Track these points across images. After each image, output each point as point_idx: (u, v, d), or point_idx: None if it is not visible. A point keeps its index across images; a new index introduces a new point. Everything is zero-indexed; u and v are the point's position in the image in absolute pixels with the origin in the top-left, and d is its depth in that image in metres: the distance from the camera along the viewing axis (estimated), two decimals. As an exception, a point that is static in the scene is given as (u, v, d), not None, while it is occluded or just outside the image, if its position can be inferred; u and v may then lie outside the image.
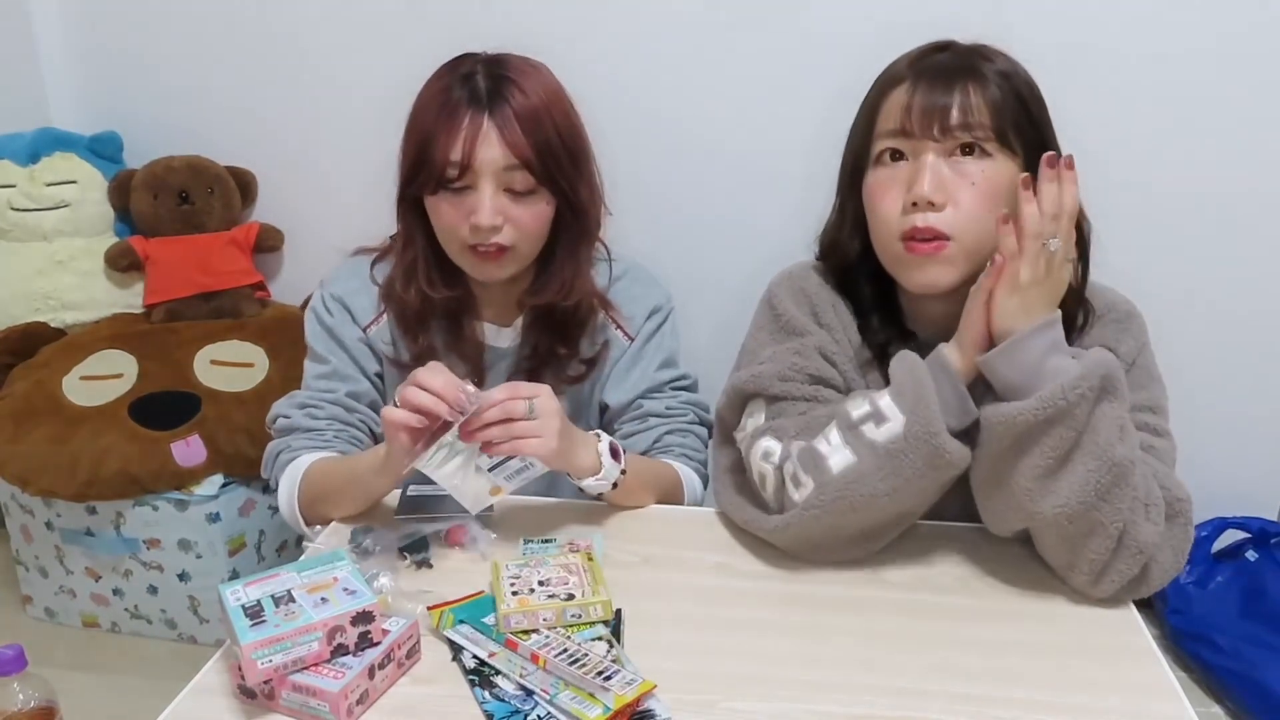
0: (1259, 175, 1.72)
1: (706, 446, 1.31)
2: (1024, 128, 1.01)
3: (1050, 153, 0.94)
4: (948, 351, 0.98)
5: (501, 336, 1.29)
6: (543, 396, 1.00)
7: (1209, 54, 1.66)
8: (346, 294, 1.27)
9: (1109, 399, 0.91)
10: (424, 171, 1.13)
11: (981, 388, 0.97)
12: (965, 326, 0.97)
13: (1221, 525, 1.87)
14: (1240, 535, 1.87)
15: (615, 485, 1.10)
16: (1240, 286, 1.80)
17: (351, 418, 1.24)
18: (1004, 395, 0.95)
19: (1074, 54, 1.63)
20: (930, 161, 1.00)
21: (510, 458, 1.00)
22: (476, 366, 1.26)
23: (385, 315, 1.26)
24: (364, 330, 1.27)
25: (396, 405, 0.97)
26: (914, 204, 1.00)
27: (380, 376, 1.28)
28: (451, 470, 1.00)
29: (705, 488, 1.27)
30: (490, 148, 1.10)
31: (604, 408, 1.32)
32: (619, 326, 1.30)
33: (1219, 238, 1.77)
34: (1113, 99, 1.68)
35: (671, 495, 1.22)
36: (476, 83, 1.13)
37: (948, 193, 0.99)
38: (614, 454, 1.09)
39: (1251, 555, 1.84)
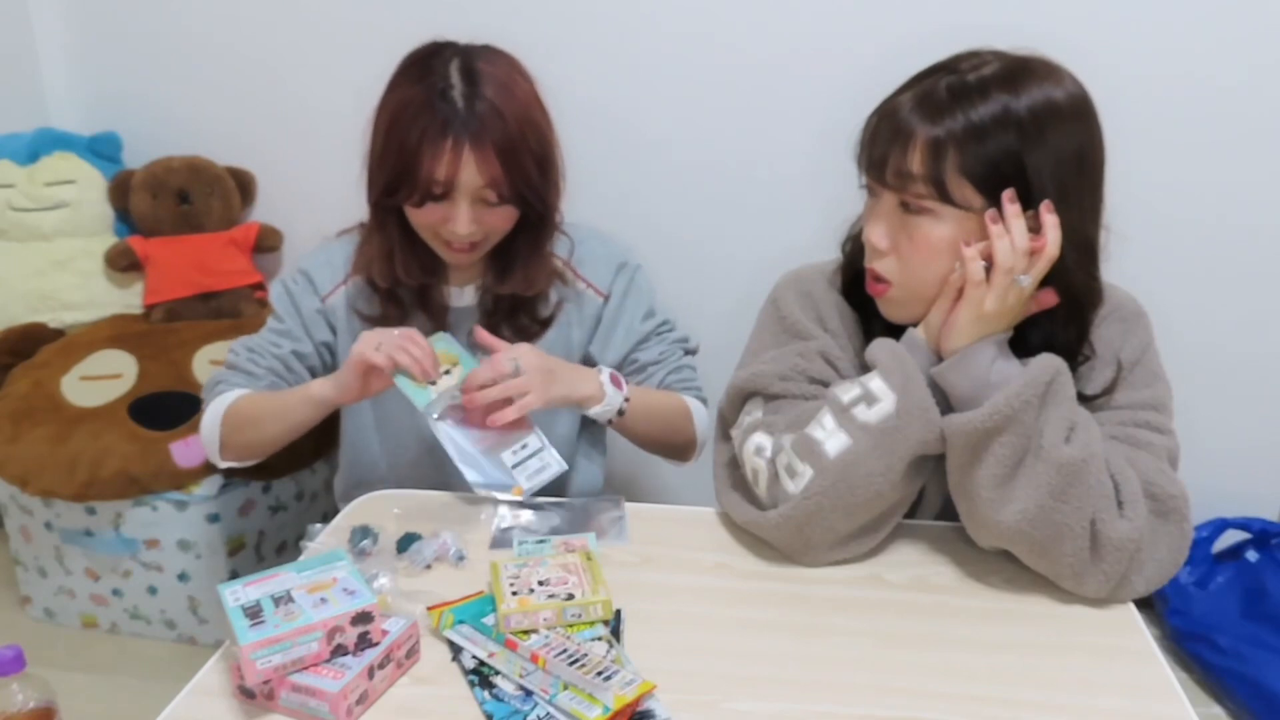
0: (1263, 176, 1.73)
1: (697, 372, 1.43)
2: (987, 181, 0.94)
3: (1009, 190, 0.93)
4: (916, 334, 1.02)
5: (463, 297, 1.35)
6: (524, 354, 1.12)
7: (1222, 58, 1.66)
8: (313, 267, 1.37)
9: (1054, 403, 0.94)
10: (406, 187, 1.20)
11: (942, 405, 1.00)
12: (935, 314, 1.01)
13: (1221, 525, 1.87)
14: (1240, 535, 1.87)
15: (622, 412, 1.23)
16: (1242, 287, 1.80)
17: (288, 375, 1.33)
18: (956, 407, 0.99)
19: (1082, 58, 1.63)
20: (882, 207, 1.01)
21: (530, 457, 1.14)
22: (440, 327, 1.33)
23: (349, 282, 1.35)
24: (322, 300, 1.35)
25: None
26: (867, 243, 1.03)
27: (328, 346, 1.37)
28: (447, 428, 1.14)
29: (706, 406, 1.40)
30: (470, 173, 1.18)
31: (591, 362, 1.38)
32: (589, 285, 1.37)
33: (1221, 238, 1.77)
34: (1120, 100, 1.67)
35: (683, 422, 1.35)
36: (455, 101, 1.17)
37: (893, 241, 1.00)
38: (615, 383, 1.22)
39: (1252, 556, 1.84)
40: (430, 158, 1.17)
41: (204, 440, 1.31)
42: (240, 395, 1.28)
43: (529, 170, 1.21)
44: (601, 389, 1.21)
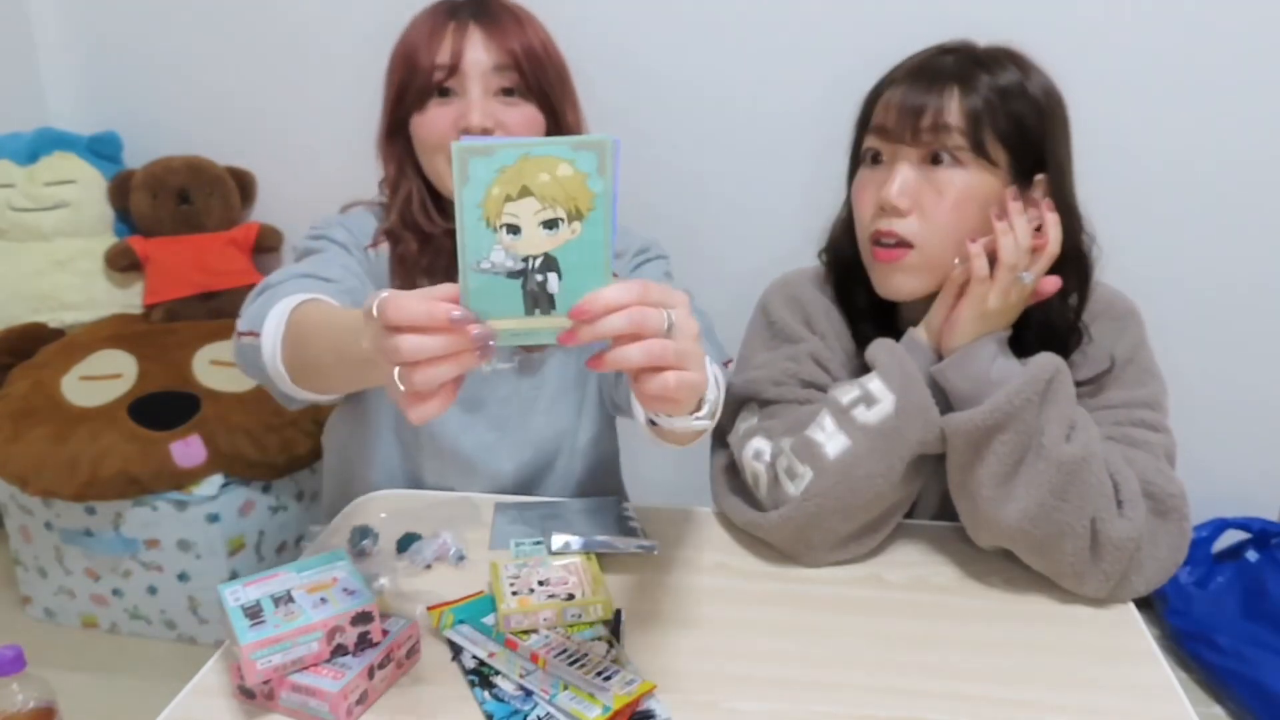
0: (1264, 176, 1.72)
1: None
2: (1012, 142, 0.98)
3: (1012, 187, 0.97)
4: (917, 332, 1.02)
5: None
6: (681, 309, 0.70)
7: (1216, 46, 1.66)
8: (347, 218, 1.19)
9: (1054, 401, 0.95)
10: (412, 87, 1.09)
11: (942, 403, 1.00)
12: (936, 312, 1.01)
13: (1221, 525, 1.87)
14: (1240, 535, 1.87)
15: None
16: (1241, 287, 1.80)
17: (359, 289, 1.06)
18: (957, 405, 0.99)
19: (1080, 47, 1.63)
20: (901, 167, 1.00)
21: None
22: None
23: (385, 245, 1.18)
24: (365, 250, 1.17)
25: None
26: (881, 209, 1.01)
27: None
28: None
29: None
30: (476, 49, 1.07)
31: None
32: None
33: (1221, 238, 1.77)
34: (1116, 94, 1.68)
35: None
36: (459, 4, 1.12)
37: (915, 199, 1.00)
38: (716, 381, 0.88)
39: (1252, 556, 1.84)
40: (431, 43, 1.08)
41: (265, 364, 0.91)
42: (304, 300, 0.92)
43: (542, 60, 1.10)
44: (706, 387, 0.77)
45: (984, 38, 1.05)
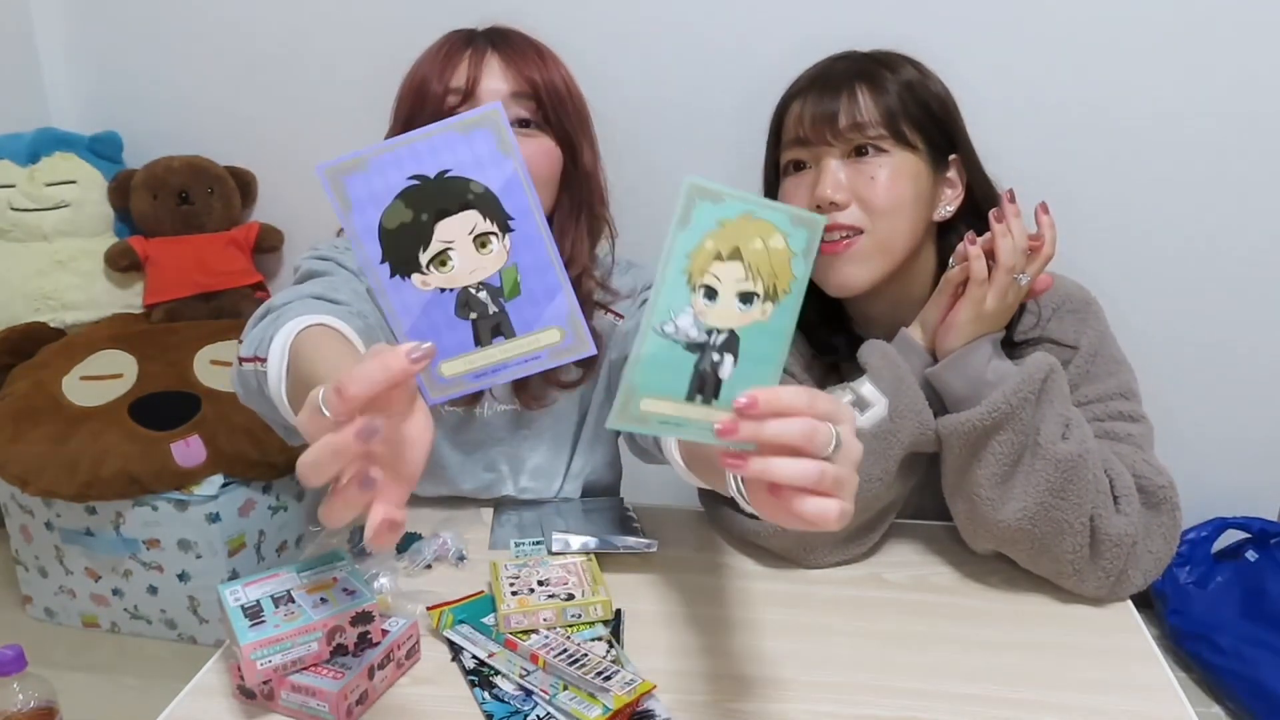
0: (1260, 176, 1.72)
1: None
2: (924, 125, 1.03)
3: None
4: (911, 332, 1.03)
5: None
6: (847, 425, 0.62)
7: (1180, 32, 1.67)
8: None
9: (1049, 400, 0.95)
10: (421, 116, 1.03)
11: (937, 404, 1.00)
12: (930, 311, 1.01)
13: (1221, 525, 1.87)
14: (1240, 535, 1.88)
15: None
16: (1240, 287, 1.80)
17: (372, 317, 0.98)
18: (952, 406, 0.99)
19: (1042, 32, 1.63)
20: (829, 165, 1.02)
21: None
22: None
23: None
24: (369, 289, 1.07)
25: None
26: (818, 207, 1.02)
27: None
28: None
29: None
30: (493, 77, 1.03)
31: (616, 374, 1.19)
32: (610, 311, 1.17)
33: (1217, 238, 1.77)
34: (1105, 86, 1.68)
35: None
36: (475, 32, 1.09)
37: (850, 191, 1.02)
38: None
39: (1251, 555, 1.84)
40: (445, 69, 1.03)
41: (270, 393, 0.82)
42: (315, 323, 0.83)
43: (561, 91, 1.06)
44: None
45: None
